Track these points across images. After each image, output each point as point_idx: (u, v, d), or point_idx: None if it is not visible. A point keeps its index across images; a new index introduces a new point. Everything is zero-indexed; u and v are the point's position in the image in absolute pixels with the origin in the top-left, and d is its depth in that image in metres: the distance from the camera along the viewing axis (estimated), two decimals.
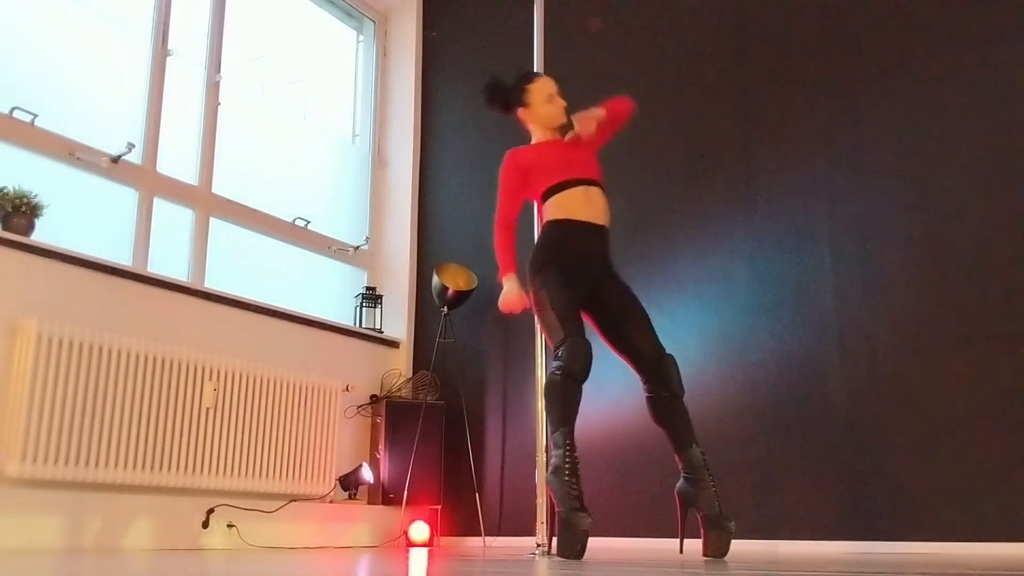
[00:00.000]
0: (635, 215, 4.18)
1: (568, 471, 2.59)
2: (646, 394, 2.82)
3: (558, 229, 2.89)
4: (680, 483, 2.75)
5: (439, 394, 4.50)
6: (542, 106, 3.03)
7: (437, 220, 4.97)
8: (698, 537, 2.70)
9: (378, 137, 5.20)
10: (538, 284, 2.84)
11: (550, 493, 2.66)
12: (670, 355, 2.83)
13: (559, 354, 2.70)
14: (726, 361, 3.76)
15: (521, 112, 3.07)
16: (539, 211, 3.02)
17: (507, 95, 3.09)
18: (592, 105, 4.26)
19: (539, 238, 2.94)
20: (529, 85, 3.06)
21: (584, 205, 2.89)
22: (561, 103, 3.05)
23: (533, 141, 3.08)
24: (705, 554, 2.67)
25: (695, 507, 2.70)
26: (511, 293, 3.00)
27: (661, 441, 3.81)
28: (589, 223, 2.89)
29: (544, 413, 2.86)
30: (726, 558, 2.64)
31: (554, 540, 2.83)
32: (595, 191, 2.93)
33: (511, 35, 4.23)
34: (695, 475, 2.71)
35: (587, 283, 2.87)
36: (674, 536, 2.83)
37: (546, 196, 2.93)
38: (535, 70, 3.18)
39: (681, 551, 2.84)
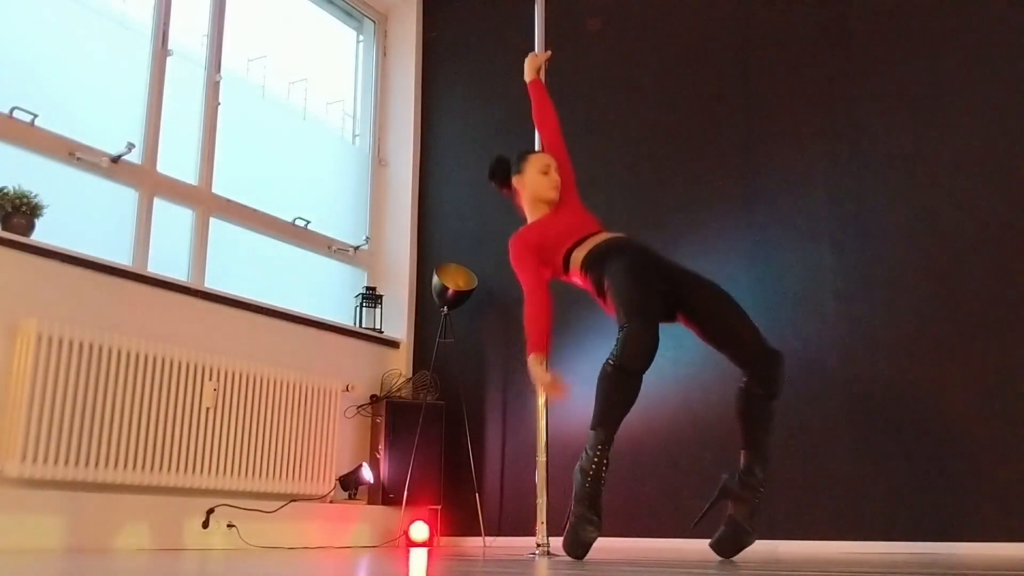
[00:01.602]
0: (635, 215, 4.18)
1: (592, 477, 2.50)
2: (740, 385, 2.68)
3: (597, 247, 2.85)
4: (731, 476, 2.67)
5: (439, 394, 4.49)
6: (534, 175, 3.08)
7: (437, 220, 4.97)
8: (709, 533, 2.70)
9: (378, 137, 5.20)
10: (602, 272, 2.74)
11: (574, 486, 2.58)
12: (779, 353, 2.69)
13: (617, 340, 2.52)
14: (727, 361, 3.75)
15: (515, 180, 3.12)
16: (567, 277, 2.98)
17: (507, 166, 3.16)
18: (590, 105, 4.25)
19: (586, 261, 2.85)
20: (529, 155, 3.15)
21: (602, 236, 2.91)
22: (556, 179, 3.07)
23: (529, 219, 3.10)
24: (713, 547, 2.66)
25: (730, 503, 2.66)
26: (544, 380, 2.73)
27: (663, 442, 3.81)
28: (619, 234, 2.91)
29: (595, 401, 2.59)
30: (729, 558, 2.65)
31: (556, 540, 2.82)
32: (605, 233, 2.96)
33: (511, 35, 4.23)
34: (749, 481, 2.63)
35: (659, 272, 2.75)
36: (676, 536, 2.83)
37: (566, 259, 2.90)
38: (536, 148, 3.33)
39: (694, 526, 2.78)
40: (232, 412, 3.73)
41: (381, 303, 4.79)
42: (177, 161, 4.04)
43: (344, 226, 4.92)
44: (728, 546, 2.65)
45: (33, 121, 3.50)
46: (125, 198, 3.83)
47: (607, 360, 2.53)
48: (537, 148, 3.35)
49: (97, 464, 3.25)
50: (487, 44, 4.99)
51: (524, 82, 3.41)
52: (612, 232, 2.94)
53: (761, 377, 2.66)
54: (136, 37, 4.01)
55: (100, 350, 3.31)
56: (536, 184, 3.07)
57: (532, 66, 3.37)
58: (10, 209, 3.27)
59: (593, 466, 2.50)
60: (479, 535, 4.23)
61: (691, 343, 3.84)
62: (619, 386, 2.51)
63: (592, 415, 2.54)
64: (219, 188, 4.20)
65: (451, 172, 5.00)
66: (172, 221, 3.99)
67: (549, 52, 3.42)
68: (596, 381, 2.54)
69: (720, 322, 2.73)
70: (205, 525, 3.52)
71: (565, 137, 3.28)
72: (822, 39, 3.84)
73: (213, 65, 4.30)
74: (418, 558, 2.76)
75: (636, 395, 2.52)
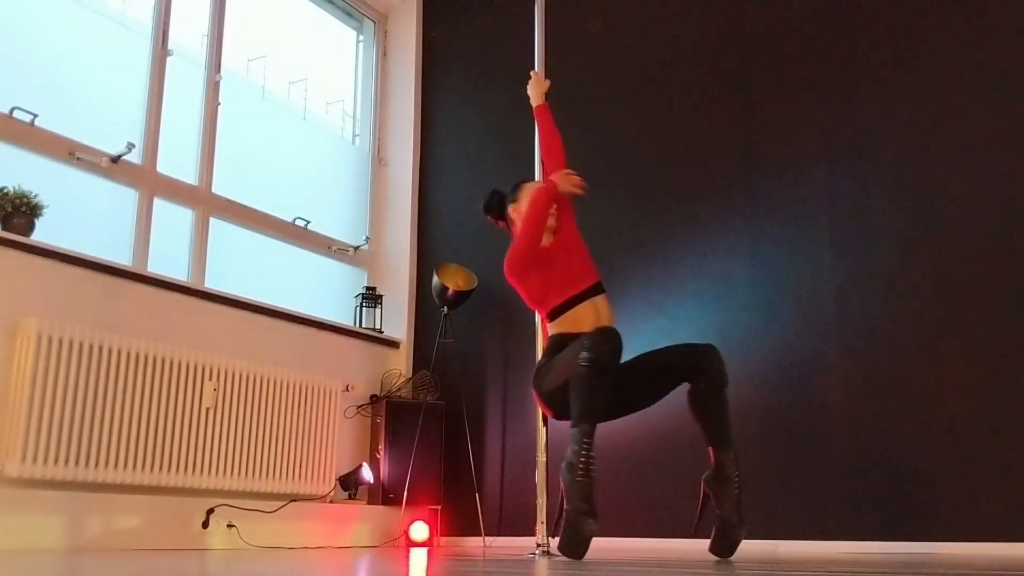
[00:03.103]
0: (635, 214, 4.18)
1: (581, 470, 2.53)
2: (687, 389, 2.75)
3: (567, 340, 2.85)
4: (707, 475, 2.72)
5: (439, 394, 4.49)
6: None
7: (437, 220, 4.97)
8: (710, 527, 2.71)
9: (378, 137, 5.20)
10: (549, 369, 2.79)
11: (561, 486, 2.60)
12: (709, 345, 2.77)
13: (584, 344, 2.59)
14: (726, 361, 3.75)
15: (511, 209, 3.09)
16: (542, 321, 3.03)
17: (502, 199, 3.14)
18: (590, 106, 4.24)
19: (546, 349, 2.89)
20: (524, 184, 3.15)
21: (592, 317, 2.86)
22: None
23: None
24: (711, 550, 2.68)
25: (715, 504, 2.69)
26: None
27: (662, 442, 3.81)
28: (570, 333, 2.86)
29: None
30: (730, 557, 2.66)
31: (555, 540, 2.83)
32: (601, 300, 2.92)
33: (511, 35, 4.23)
34: (723, 475, 2.68)
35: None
36: (676, 536, 2.84)
37: (552, 315, 2.90)
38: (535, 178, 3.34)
39: (695, 531, 2.78)
40: (232, 412, 3.73)
41: (381, 303, 4.79)
42: (177, 161, 4.04)
43: (344, 226, 4.92)
44: (723, 545, 2.66)
45: (33, 121, 3.50)
46: (125, 198, 3.83)
47: (578, 363, 2.58)
48: (537, 164, 3.35)
49: (97, 464, 3.25)
50: (487, 44, 4.99)
51: (524, 81, 3.41)
52: (600, 308, 2.91)
53: (701, 372, 2.73)
54: (136, 37, 4.01)
55: (100, 350, 3.31)
56: None
57: (539, 90, 3.34)
58: (10, 209, 3.27)
59: (582, 459, 2.54)
60: (479, 535, 4.23)
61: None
62: (591, 383, 2.57)
63: (572, 413, 2.60)
64: (219, 188, 4.20)
65: (451, 172, 5.00)
66: (172, 221, 3.99)
67: (549, 82, 3.39)
68: (571, 384, 2.60)
69: (644, 372, 2.82)
70: (205, 525, 3.52)
71: (565, 140, 3.27)
72: (822, 40, 3.84)
73: (213, 65, 4.30)
74: (418, 558, 2.76)
75: (610, 391, 2.61)
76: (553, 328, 2.90)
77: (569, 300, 2.88)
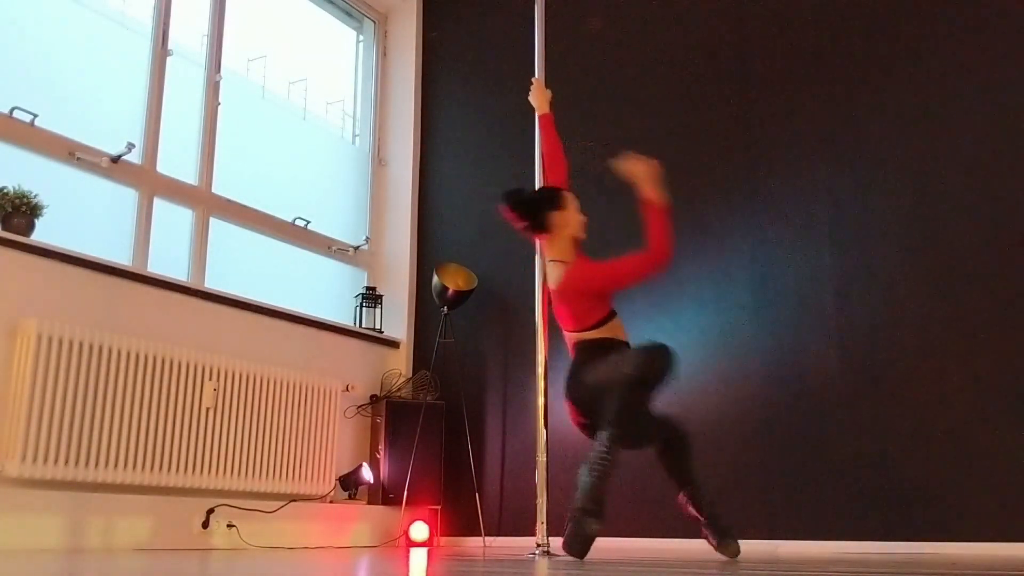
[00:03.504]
0: (635, 214, 4.17)
1: (597, 472, 2.58)
2: (659, 448, 2.85)
3: (588, 344, 2.90)
4: (687, 504, 2.82)
5: (439, 394, 4.49)
6: (575, 213, 3.02)
7: (437, 220, 4.97)
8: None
9: (378, 137, 5.20)
10: (593, 369, 2.81)
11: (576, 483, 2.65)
12: (682, 430, 2.87)
13: (639, 351, 2.70)
14: (726, 361, 3.76)
15: (557, 216, 2.98)
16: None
17: (538, 202, 3.04)
18: (590, 105, 4.22)
19: (590, 349, 2.88)
20: (566, 193, 3.07)
21: (622, 327, 2.95)
22: (584, 218, 3.05)
23: (549, 257, 3.02)
24: (717, 550, 2.75)
25: (708, 531, 2.76)
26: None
27: None
28: (614, 338, 2.90)
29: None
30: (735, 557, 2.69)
31: (554, 539, 2.83)
32: (617, 322, 2.94)
33: (511, 35, 4.24)
34: (706, 512, 2.77)
35: None
36: (674, 536, 2.86)
37: (590, 328, 2.90)
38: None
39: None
40: (232, 412, 3.72)
41: (381, 303, 4.79)
42: (177, 161, 4.04)
43: (344, 226, 4.92)
44: (729, 549, 2.72)
45: (33, 121, 3.50)
46: (125, 198, 3.83)
47: (624, 371, 2.66)
48: (538, 163, 3.34)
49: (97, 464, 3.25)
50: (487, 44, 4.99)
51: (524, 80, 3.40)
52: (616, 328, 2.94)
53: (683, 436, 2.85)
54: (136, 37, 4.01)
55: (100, 350, 3.31)
56: (577, 223, 3.02)
57: (543, 99, 3.32)
58: (10, 209, 3.27)
59: (599, 462, 2.59)
60: (479, 535, 4.23)
61: (691, 343, 3.84)
62: (633, 396, 2.67)
63: (607, 416, 2.65)
64: (219, 188, 4.20)
65: (451, 172, 4.99)
66: (172, 221, 3.98)
67: (551, 92, 3.37)
68: (611, 386, 2.68)
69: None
70: (205, 525, 3.52)
71: (565, 140, 3.27)
72: (822, 40, 3.84)
73: (213, 65, 4.29)
74: (418, 558, 2.76)
75: (646, 400, 2.75)
76: (587, 334, 2.89)
77: (604, 318, 2.91)
